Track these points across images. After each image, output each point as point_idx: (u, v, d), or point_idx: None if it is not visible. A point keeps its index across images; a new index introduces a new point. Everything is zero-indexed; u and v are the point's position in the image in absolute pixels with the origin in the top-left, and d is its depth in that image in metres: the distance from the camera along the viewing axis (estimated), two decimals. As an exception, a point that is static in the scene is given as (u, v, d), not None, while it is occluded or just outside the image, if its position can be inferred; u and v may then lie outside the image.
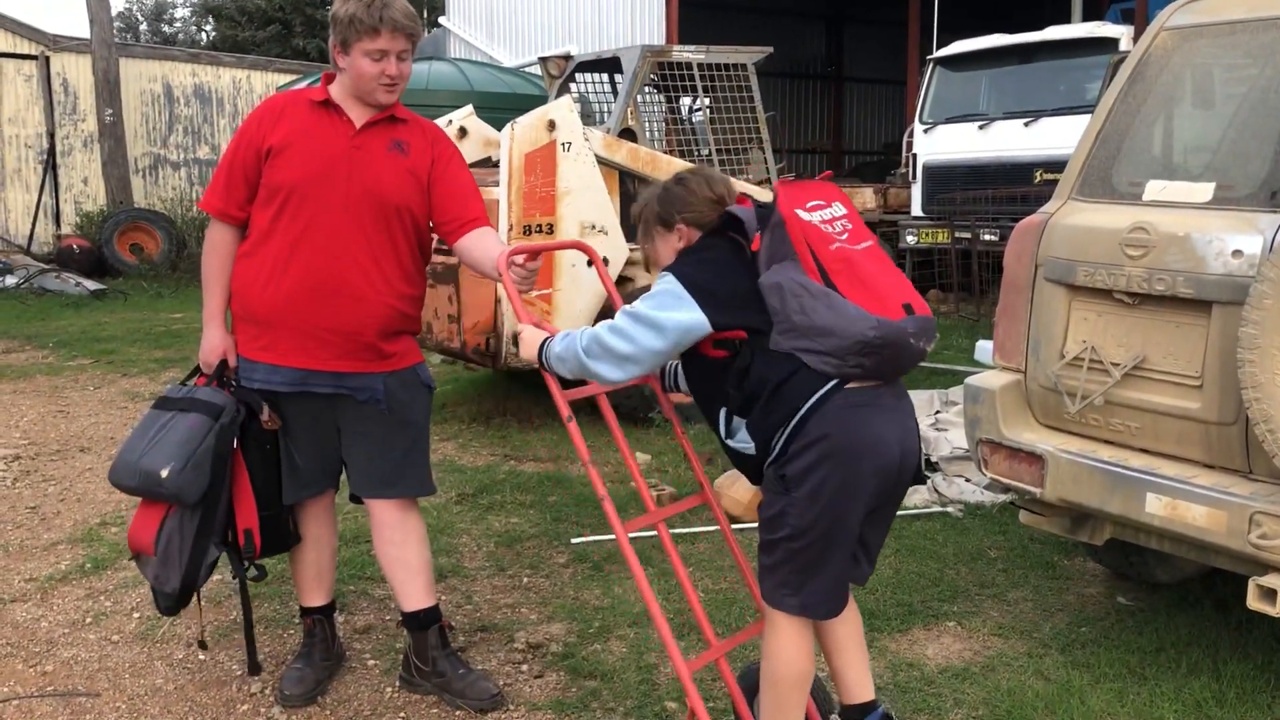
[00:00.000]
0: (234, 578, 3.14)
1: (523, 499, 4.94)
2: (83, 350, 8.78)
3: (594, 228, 5.78)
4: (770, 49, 8.14)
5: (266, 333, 2.97)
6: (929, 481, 4.89)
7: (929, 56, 11.24)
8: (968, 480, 4.93)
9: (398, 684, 3.22)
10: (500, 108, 9.46)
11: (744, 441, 2.44)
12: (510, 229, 5.77)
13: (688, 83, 7.52)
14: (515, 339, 2.98)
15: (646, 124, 7.99)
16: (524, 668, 3.34)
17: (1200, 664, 3.30)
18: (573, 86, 8.47)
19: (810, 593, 2.40)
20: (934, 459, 5.08)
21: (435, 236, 3.13)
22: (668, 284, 2.41)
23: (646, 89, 7.97)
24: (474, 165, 5.65)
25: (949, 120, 10.65)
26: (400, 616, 3.21)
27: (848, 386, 2.31)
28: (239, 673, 3.29)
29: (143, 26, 33.21)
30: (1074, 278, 3.26)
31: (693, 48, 7.63)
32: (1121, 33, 9.67)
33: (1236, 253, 2.91)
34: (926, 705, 3.09)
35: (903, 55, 15.91)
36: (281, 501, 3.10)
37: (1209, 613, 3.67)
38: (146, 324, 10.24)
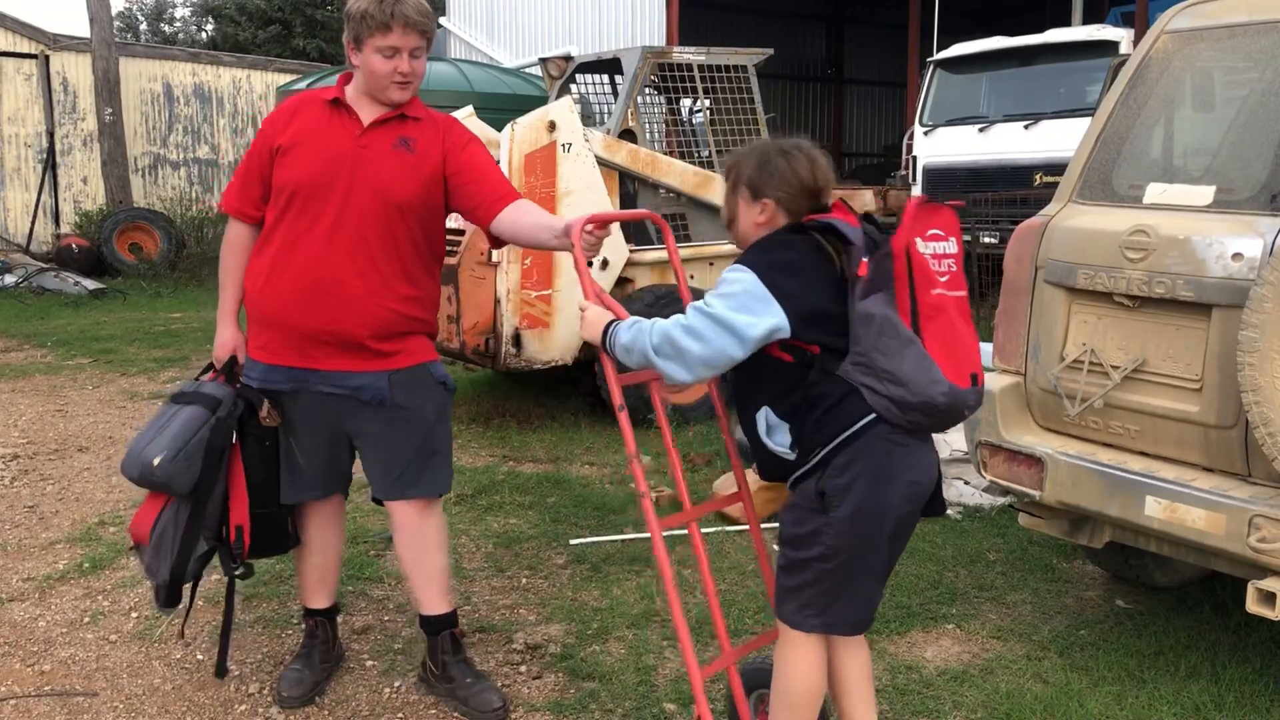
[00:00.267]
0: (225, 575, 3.13)
1: (521, 500, 4.94)
2: (81, 349, 8.77)
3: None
4: (771, 51, 8.14)
5: (265, 332, 2.98)
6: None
7: (929, 59, 11.25)
8: (967, 483, 4.93)
9: (414, 683, 3.23)
10: (500, 108, 9.47)
11: (782, 445, 2.35)
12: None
13: (688, 84, 7.51)
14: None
15: (646, 125, 7.98)
16: (522, 669, 3.34)
17: (1199, 667, 3.30)
18: (573, 87, 8.46)
19: (835, 613, 2.35)
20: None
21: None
22: (749, 283, 2.26)
23: (647, 90, 7.96)
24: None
25: (949, 122, 10.65)
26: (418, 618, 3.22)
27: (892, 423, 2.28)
28: (237, 673, 3.29)
29: (143, 26, 33.20)
30: (1074, 280, 3.26)
31: (693, 49, 7.62)
32: (1122, 36, 9.67)
33: (1236, 256, 2.91)
34: (925, 708, 3.08)
35: (903, 57, 15.92)
36: (279, 501, 3.08)
37: (1208, 616, 3.66)
38: (145, 323, 10.24)
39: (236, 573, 3.09)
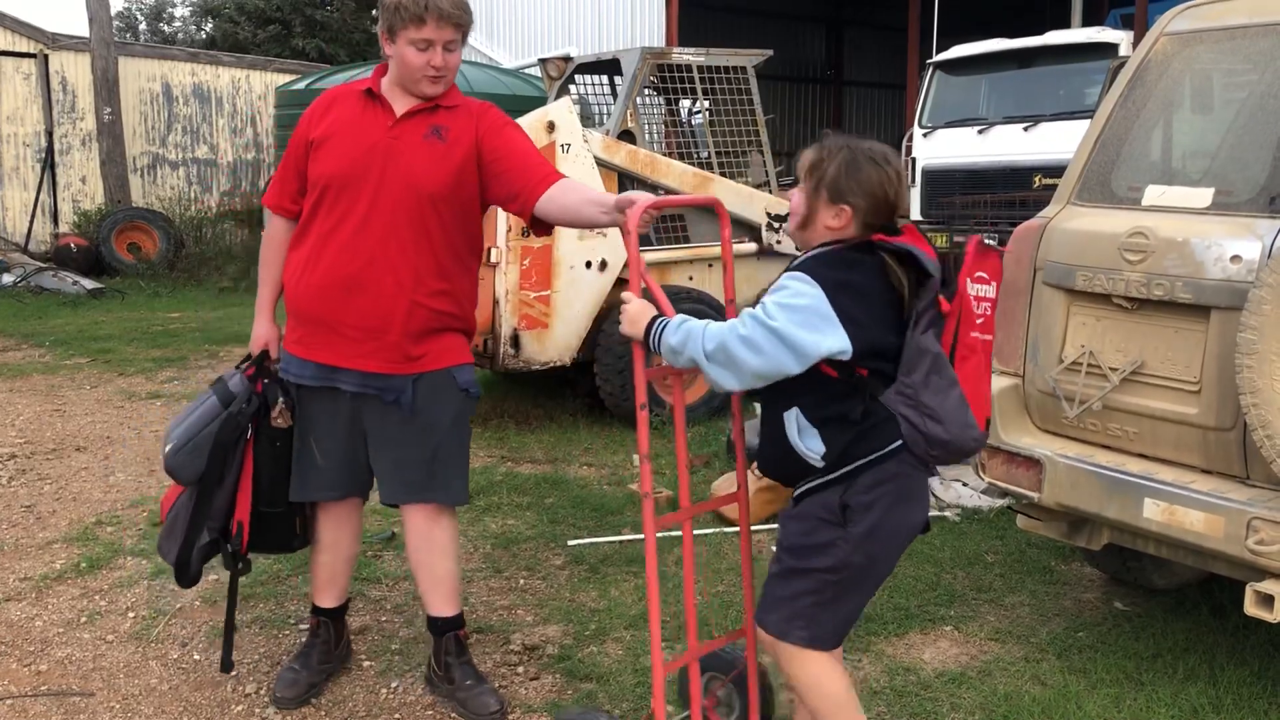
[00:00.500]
0: (226, 569, 3.14)
1: (519, 501, 4.93)
2: (79, 349, 8.76)
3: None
4: (770, 52, 8.14)
5: (300, 326, 2.97)
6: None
7: (929, 60, 11.25)
8: (965, 485, 4.93)
9: (412, 683, 3.22)
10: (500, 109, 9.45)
11: (813, 450, 2.28)
12: (509, 230, 5.77)
13: (687, 85, 7.51)
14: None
15: (646, 126, 7.98)
16: (520, 669, 3.33)
17: (1197, 669, 3.29)
18: (572, 88, 8.46)
19: (822, 625, 2.33)
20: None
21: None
22: (815, 299, 2.17)
23: (646, 91, 7.96)
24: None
25: (948, 124, 10.65)
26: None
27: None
28: (234, 673, 3.28)
29: (142, 26, 33.19)
30: (1073, 282, 3.26)
31: (692, 50, 7.62)
32: (1121, 38, 9.67)
33: (1235, 258, 2.91)
34: (923, 710, 3.08)
35: (902, 59, 15.91)
36: (287, 500, 3.06)
37: (1206, 618, 3.66)
38: (143, 323, 10.22)
39: (235, 567, 3.09)
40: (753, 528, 3.87)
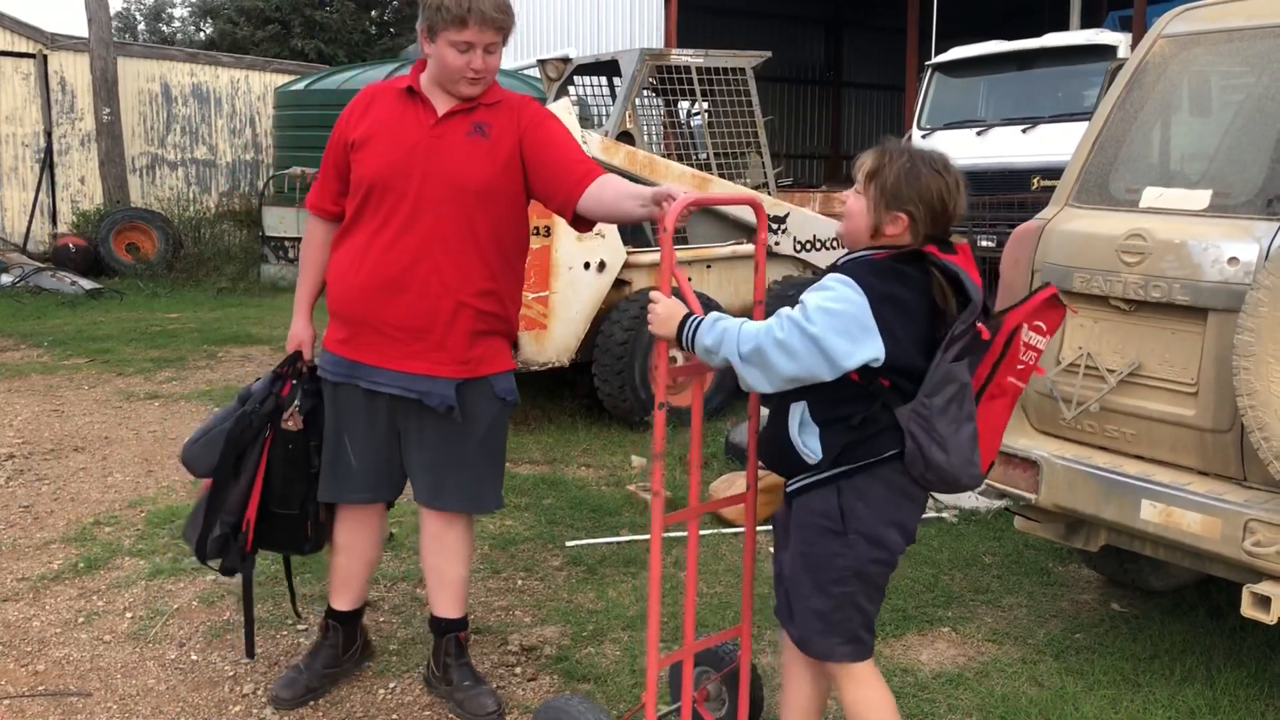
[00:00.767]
0: (221, 570, 3.15)
1: (518, 501, 4.93)
2: (78, 349, 8.76)
3: (592, 230, 5.79)
4: (769, 53, 8.16)
5: (343, 326, 2.95)
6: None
7: (927, 62, 11.26)
8: (963, 486, 4.93)
9: (410, 683, 3.23)
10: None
11: (810, 448, 2.27)
12: (507, 231, 5.76)
13: (686, 86, 7.52)
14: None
15: (644, 127, 8.00)
16: (517, 670, 3.34)
17: (1194, 671, 3.30)
18: (571, 89, 8.47)
19: (857, 632, 2.32)
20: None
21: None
22: (858, 307, 2.14)
23: (645, 92, 7.97)
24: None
25: (947, 126, 10.65)
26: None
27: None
28: (231, 673, 3.28)
29: (141, 26, 33.20)
30: (1070, 284, 3.26)
31: (691, 51, 7.64)
32: (1119, 40, 9.69)
33: (1233, 260, 2.91)
34: (920, 711, 3.08)
35: (901, 60, 15.94)
36: (300, 504, 3.05)
37: (1203, 620, 3.67)
38: (142, 323, 10.22)
39: (238, 564, 3.11)
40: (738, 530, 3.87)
